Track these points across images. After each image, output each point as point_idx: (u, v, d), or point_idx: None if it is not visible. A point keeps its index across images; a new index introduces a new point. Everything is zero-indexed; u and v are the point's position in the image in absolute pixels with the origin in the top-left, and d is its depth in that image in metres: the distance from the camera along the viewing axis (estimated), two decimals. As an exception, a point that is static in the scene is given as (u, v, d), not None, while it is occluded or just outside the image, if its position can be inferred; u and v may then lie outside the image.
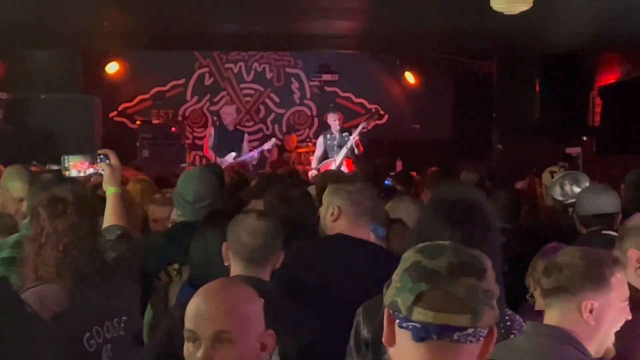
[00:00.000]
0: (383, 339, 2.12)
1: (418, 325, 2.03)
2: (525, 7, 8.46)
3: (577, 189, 7.13)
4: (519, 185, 10.03)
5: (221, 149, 14.39)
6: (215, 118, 15.09)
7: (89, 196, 3.95)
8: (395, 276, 2.10)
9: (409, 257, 2.11)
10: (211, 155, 14.42)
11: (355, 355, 3.64)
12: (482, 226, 3.23)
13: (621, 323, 3.21)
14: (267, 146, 14.82)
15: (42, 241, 3.49)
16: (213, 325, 2.55)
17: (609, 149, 13.69)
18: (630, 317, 3.22)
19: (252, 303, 2.66)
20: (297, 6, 10.30)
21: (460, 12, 10.37)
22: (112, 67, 16.97)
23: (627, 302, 3.21)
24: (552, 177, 8.12)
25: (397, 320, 2.07)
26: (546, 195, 8.13)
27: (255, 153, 14.45)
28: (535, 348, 3.08)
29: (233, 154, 14.31)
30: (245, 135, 15.06)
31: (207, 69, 18.19)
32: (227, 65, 18.26)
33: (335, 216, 4.60)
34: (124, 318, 3.68)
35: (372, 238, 4.75)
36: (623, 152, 12.84)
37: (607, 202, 5.69)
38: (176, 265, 4.71)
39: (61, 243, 3.48)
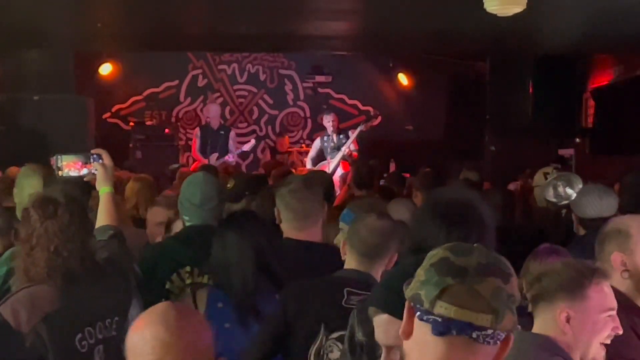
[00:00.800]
0: (400, 331, 2.12)
1: (439, 319, 2.03)
2: (518, 8, 8.47)
3: (570, 191, 7.14)
4: (511, 186, 10.03)
5: (207, 149, 14.33)
6: (208, 119, 15.02)
7: (80, 197, 3.95)
8: (420, 270, 2.11)
9: (437, 253, 2.12)
10: (199, 157, 14.36)
11: (349, 358, 3.63)
12: (478, 228, 3.22)
13: (606, 334, 3.20)
14: (246, 147, 14.74)
15: (33, 242, 3.49)
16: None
17: (602, 151, 13.72)
18: (620, 332, 3.22)
19: (209, 331, 2.53)
20: (290, 7, 10.31)
21: (453, 14, 10.39)
22: (106, 69, 16.95)
23: (610, 313, 3.20)
24: (545, 178, 8.12)
25: (418, 313, 2.07)
26: (538, 197, 8.13)
27: (231, 157, 14.34)
28: (517, 355, 3.09)
29: (216, 154, 14.23)
30: (232, 133, 14.95)
31: (200, 71, 18.17)
32: (220, 67, 18.25)
33: (278, 219, 4.76)
34: (116, 318, 3.68)
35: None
36: (616, 153, 12.87)
37: (609, 205, 5.71)
38: (188, 268, 4.72)
39: (52, 244, 3.48)
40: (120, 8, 10.52)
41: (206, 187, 5.10)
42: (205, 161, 13.68)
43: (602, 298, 3.20)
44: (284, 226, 4.74)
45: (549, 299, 3.22)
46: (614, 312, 3.20)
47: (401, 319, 2.21)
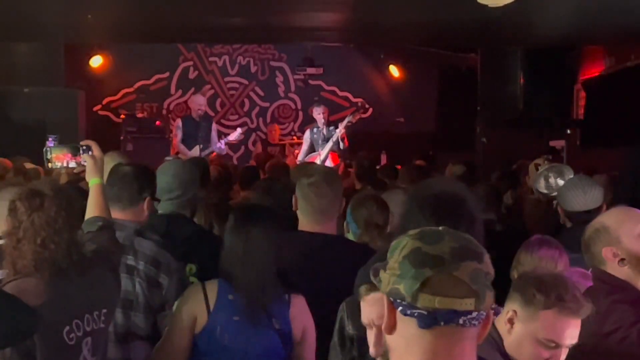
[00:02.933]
0: (383, 327, 2.11)
1: (424, 312, 2.02)
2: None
3: (561, 182, 7.13)
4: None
5: (189, 140, 14.28)
6: (199, 110, 14.97)
7: (67, 189, 3.93)
8: (393, 263, 2.09)
9: (406, 243, 2.09)
10: (180, 149, 14.30)
11: (339, 351, 3.63)
12: (467, 220, 3.22)
13: None
14: (232, 137, 14.68)
15: (19, 235, 3.48)
16: None
17: (593, 142, 13.73)
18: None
19: None
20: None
21: (444, 5, 10.38)
22: (96, 61, 16.90)
23: (550, 344, 3.20)
24: (537, 169, 8.13)
25: (400, 308, 2.06)
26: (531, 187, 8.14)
27: (222, 144, 14.29)
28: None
29: (198, 147, 14.17)
30: (214, 124, 14.91)
31: (191, 63, 18.16)
32: (211, 59, 18.23)
33: (295, 206, 4.75)
34: (104, 311, 3.66)
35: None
36: (607, 144, 12.88)
37: (594, 198, 5.72)
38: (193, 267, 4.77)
39: (39, 237, 3.47)
40: (110, 0, 10.48)
41: (165, 178, 5.08)
42: (191, 154, 13.58)
43: (551, 328, 3.21)
44: (300, 217, 4.73)
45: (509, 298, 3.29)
46: (555, 347, 3.20)
47: None
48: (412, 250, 2.07)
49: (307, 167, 5.25)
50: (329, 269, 4.45)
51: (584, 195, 5.74)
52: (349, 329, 3.56)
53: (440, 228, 2.15)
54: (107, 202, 4.25)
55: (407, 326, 2.06)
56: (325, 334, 3.82)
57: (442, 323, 2.02)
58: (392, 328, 2.09)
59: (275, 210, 4.45)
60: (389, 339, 2.12)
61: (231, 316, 4.04)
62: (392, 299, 2.08)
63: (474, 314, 2.04)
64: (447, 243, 2.07)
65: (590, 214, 5.55)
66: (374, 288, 2.51)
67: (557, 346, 3.22)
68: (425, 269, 2.03)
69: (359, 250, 4.77)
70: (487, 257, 2.10)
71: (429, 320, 2.02)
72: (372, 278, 2.18)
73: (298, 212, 4.72)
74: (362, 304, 2.59)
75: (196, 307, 4.07)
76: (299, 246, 4.53)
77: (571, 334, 3.20)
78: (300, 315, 4.12)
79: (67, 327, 3.46)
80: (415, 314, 2.03)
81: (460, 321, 2.03)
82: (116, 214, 4.47)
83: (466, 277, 2.03)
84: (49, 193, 3.55)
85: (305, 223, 4.71)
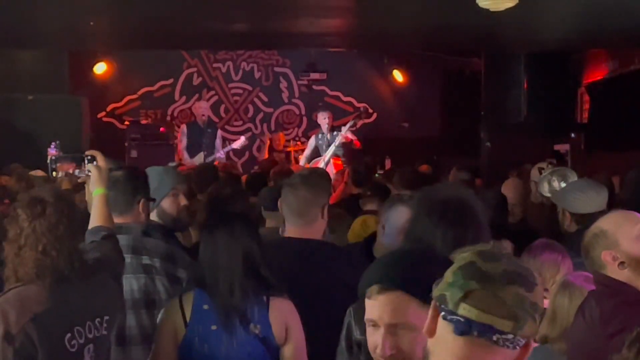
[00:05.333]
0: (424, 329, 2.17)
1: (462, 320, 2.08)
2: (510, 3, 8.48)
3: (565, 186, 7.13)
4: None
5: (193, 147, 14.28)
6: (203, 116, 14.98)
7: (68, 196, 3.94)
8: (448, 273, 2.15)
9: (465, 257, 2.16)
10: (184, 157, 14.32)
11: (347, 356, 3.63)
12: (474, 226, 3.22)
13: None
14: (236, 145, 14.70)
15: (21, 242, 3.48)
16: None
17: (598, 146, 13.71)
18: None
19: None
20: (283, 4, 10.29)
21: (446, 10, 10.38)
22: (100, 68, 16.92)
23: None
24: (540, 173, 8.13)
25: (442, 313, 2.12)
26: (535, 192, 8.13)
27: (221, 154, 14.30)
28: None
29: (202, 155, 14.19)
30: (219, 132, 14.91)
31: (195, 69, 18.16)
32: (215, 65, 18.23)
33: (281, 212, 4.73)
34: (106, 318, 3.66)
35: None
36: (611, 148, 12.87)
37: (605, 198, 5.73)
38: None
39: (40, 244, 3.47)
40: (113, 6, 10.49)
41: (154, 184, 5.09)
42: (192, 162, 13.60)
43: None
44: (286, 222, 4.73)
45: None
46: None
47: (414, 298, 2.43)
48: (468, 263, 2.14)
49: (298, 171, 5.22)
50: (314, 275, 4.46)
51: (597, 197, 5.75)
52: (357, 334, 3.56)
53: (504, 252, 2.21)
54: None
55: (444, 331, 2.12)
56: (316, 338, 3.83)
57: (475, 333, 2.07)
58: (432, 332, 2.16)
59: (248, 217, 4.45)
60: (430, 343, 2.18)
61: (209, 326, 4.04)
62: (437, 303, 2.15)
63: (510, 336, 2.08)
64: (502, 265, 2.13)
65: (598, 216, 5.57)
66: (385, 289, 2.55)
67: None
68: (472, 281, 2.10)
69: (343, 255, 4.82)
70: (538, 289, 2.15)
71: (464, 328, 2.08)
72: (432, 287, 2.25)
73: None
74: (369, 302, 2.60)
75: (175, 319, 4.08)
76: (282, 252, 4.53)
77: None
78: (280, 316, 4.10)
79: (69, 334, 3.46)
80: (454, 320, 2.09)
81: (494, 338, 2.08)
82: (115, 219, 4.48)
83: (509, 300, 2.08)
84: (50, 200, 3.56)
85: (289, 227, 4.69)
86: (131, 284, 4.44)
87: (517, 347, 2.10)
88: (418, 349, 2.47)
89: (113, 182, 4.58)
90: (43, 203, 3.54)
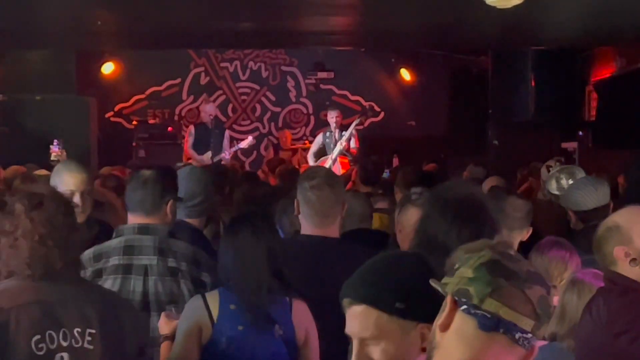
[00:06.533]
0: (438, 323, 2.15)
1: (488, 315, 2.08)
2: (518, 1, 8.47)
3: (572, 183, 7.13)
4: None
5: (200, 147, 14.30)
6: (211, 116, 14.98)
7: (63, 195, 3.88)
8: (467, 269, 2.14)
9: (485, 254, 2.16)
10: (191, 154, 14.34)
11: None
12: (489, 224, 3.22)
13: None
14: (243, 144, 14.71)
15: (17, 234, 3.37)
16: None
17: (606, 143, 13.69)
18: None
19: None
20: (290, 3, 10.30)
21: (453, 7, 10.37)
22: (108, 68, 16.95)
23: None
24: (548, 171, 8.13)
25: (464, 307, 2.11)
26: (543, 190, 8.13)
27: (227, 154, 14.32)
28: None
29: (209, 153, 14.20)
30: (226, 132, 14.95)
31: (202, 69, 18.18)
32: (222, 65, 18.25)
33: (297, 211, 4.67)
34: (92, 331, 3.43)
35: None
36: (619, 146, 12.84)
37: (605, 193, 5.74)
38: None
39: (36, 234, 3.37)
40: (120, 6, 10.50)
41: (189, 183, 5.08)
42: (201, 158, 13.63)
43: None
44: (302, 221, 4.66)
45: None
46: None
47: (380, 311, 2.37)
48: (491, 261, 2.14)
49: (309, 171, 5.20)
50: (333, 273, 4.45)
51: (595, 192, 5.76)
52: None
53: (512, 253, 2.22)
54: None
55: (465, 325, 2.11)
56: (330, 337, 3.82)
57: (501, 330, 2.08)
58: (447, 326, 2.14)
59: (269, 216, 4.44)
60: (440, 337, 2.16)
61: (235, 326, 4.02)
62: (457, 298, 2.13)
63: (529, 336, 2.10)
64: (525, 265, 2.15)
65: (601, 211, 5.58)
66: (352, 303, 2.52)
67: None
68: (500, 279, 2.10)
69: (361, 253, 4.78)
70: (553, 292, 2.19)
71: (491, 324, 2.08)
72: (431, 283, 2.23)
73: (300, 216, 4.65)
74: (346, 315, 2.59)
75: (200, 319, 4.04)
76: (301, 250, 4.49)
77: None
78: (302, 319, 4.09)
79: (38, 336, 3.30)
80: (479, 315, 2.09)
81: (517, 336, 2.09)
82: (141, 219, 4.48)
83: (535, 299, 2.10)
84: (47, 194, 3.52)
85: (307, 227, 4.64)
86: (156, 285, 4.39)
87: (530, 348, 2.12)
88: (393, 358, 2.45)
89: (142, 182, 4.56)
90: (41, 196, 3.49)
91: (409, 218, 4.74)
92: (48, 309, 3.37)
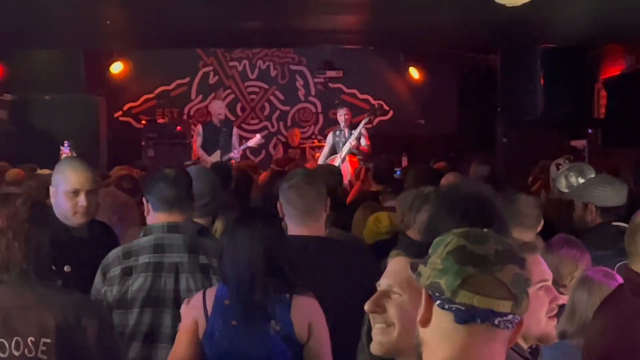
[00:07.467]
0: (418, 320, 2.15)
1: (462, 308, 2.06)
2: (526, -1, 8.46)
3: (582, 181, 7.10)
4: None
5: (209, 146, 14.31)
6: (220, 115, 14.98)
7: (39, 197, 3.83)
8: (435, 259, 2.13)
9: (450, 240, 2.13)
10: (200, 154, 14.35)
11: (368, 353, 3.62)
12: (498, 223, 3.21)
13: (545, 306, 2.99)
14: (251, 142, 14.72)
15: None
16: None
17: (615, 141, 13.66)
18: (560, 302, 3.11)
19: None
20: (299, 2, 10.30)
21: (462, 5, 10.36)
22: (117, 67, 16.97)
23: (542, 284, 2.97)
24: (558, 169, 8.12)
25: (438, 302, 2.10)
26: (553, 188, 8.12)
27: (235, 153, 14.33)
28: None
29: (218, 152, 14.21)
30: (235, 130, 14.95)
31: (211, 68, 18.20)
32: (231, 64, 18.27)
33: (280, 213, 4.70)
34: (47, 340, 3.28)
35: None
36: (629, 144, 12.81)
37: (625, 194, 5.73)
38: None
39: (10, 232, 3.29)
40: (129, 5, 10.51)
41: (197, 183, 5.09)
42: (211, 160, 13.65)
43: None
44: (287, 222, 4.69)
45: None
46: (548, 283, 3.04)
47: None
48: (457, 248, 2.11)
49: (289, 172, 5.23)
50: (322, 271, 4.46)
51: (621, 190, 5.75)
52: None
53: (485, 230, 2.19)
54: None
55: (442, 320, 2.10)
56: (336, 336, 3.83)
57: (478, 320, 2.07)
58: (427, 321, 2.14)
59: (272, 214, 4.45)
60: (423, 333, 2.15)
61: (229, 321, 4.04)
62: (430, 293, 2.12)
63: (510, 317, 2.08)
64: (493, 245, 2.11)
65: (621, 210, 5.58)
66: (401, 254, 2.58)
67: (546, 281, 3.01)
68: (468, 267, 2.07)
69: (350, 249, 4.85)
70: (527, 264, 2.15)
71: (466, 316, 2.07)
72: (410, 271, 2.22)
73: (285, 218, 4.67)
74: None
75: (196, 313, 4.08)
76: (290, 251, 4.52)
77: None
78: (303, 314, 4.07)
79: None
80: (453, 309, 2.07)
81: (496, 321, 2.07)
82: (170, 217, 4.50)
83: (507, 280, 2.07)
84: (19, 193, 3.47)
85: (293, 227, 4.66)
86: (188, 282, 4.40)
87: (514, 326, 2.11)
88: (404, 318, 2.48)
89: (177, 180, 4.55)
90: (11, 195, 3.42)
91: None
92: (5, 316, 3.26)
